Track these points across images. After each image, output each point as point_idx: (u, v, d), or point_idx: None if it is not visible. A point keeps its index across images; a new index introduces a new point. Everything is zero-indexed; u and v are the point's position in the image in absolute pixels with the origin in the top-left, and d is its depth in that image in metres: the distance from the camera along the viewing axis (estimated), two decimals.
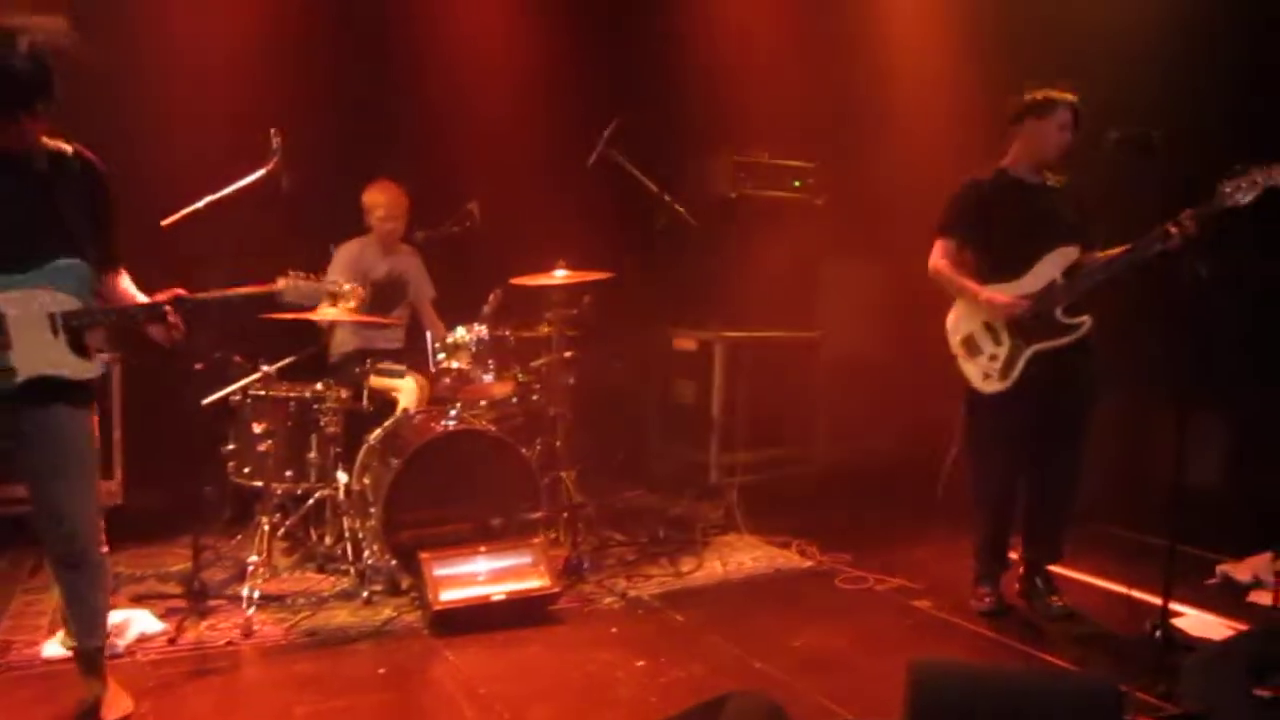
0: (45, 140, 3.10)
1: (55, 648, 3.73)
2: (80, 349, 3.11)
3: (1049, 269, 4.18)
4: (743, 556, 5.21)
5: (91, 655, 3.34)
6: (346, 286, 4.68)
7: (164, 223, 4.34)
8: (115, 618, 3.99)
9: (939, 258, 4.37)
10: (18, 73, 2.91)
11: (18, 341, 3.00)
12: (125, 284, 3.36)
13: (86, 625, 3.31)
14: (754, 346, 6.30)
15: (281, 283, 3.56)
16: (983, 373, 4.31)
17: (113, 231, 3.26)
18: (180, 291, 3.29)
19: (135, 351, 5.33)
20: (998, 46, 5.95)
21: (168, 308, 3.23)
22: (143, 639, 3.97)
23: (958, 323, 4.39)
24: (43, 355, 3.03)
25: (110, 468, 5.29)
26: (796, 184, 6.50)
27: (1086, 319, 4.16)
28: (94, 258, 3.16)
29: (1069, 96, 4.20)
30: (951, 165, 5.49)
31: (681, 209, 5.50)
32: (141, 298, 3.35)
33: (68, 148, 3.15)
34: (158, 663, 3.81)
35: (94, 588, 3.29)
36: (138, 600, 4.35)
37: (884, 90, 6.60)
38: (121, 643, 3.88)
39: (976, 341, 4.33)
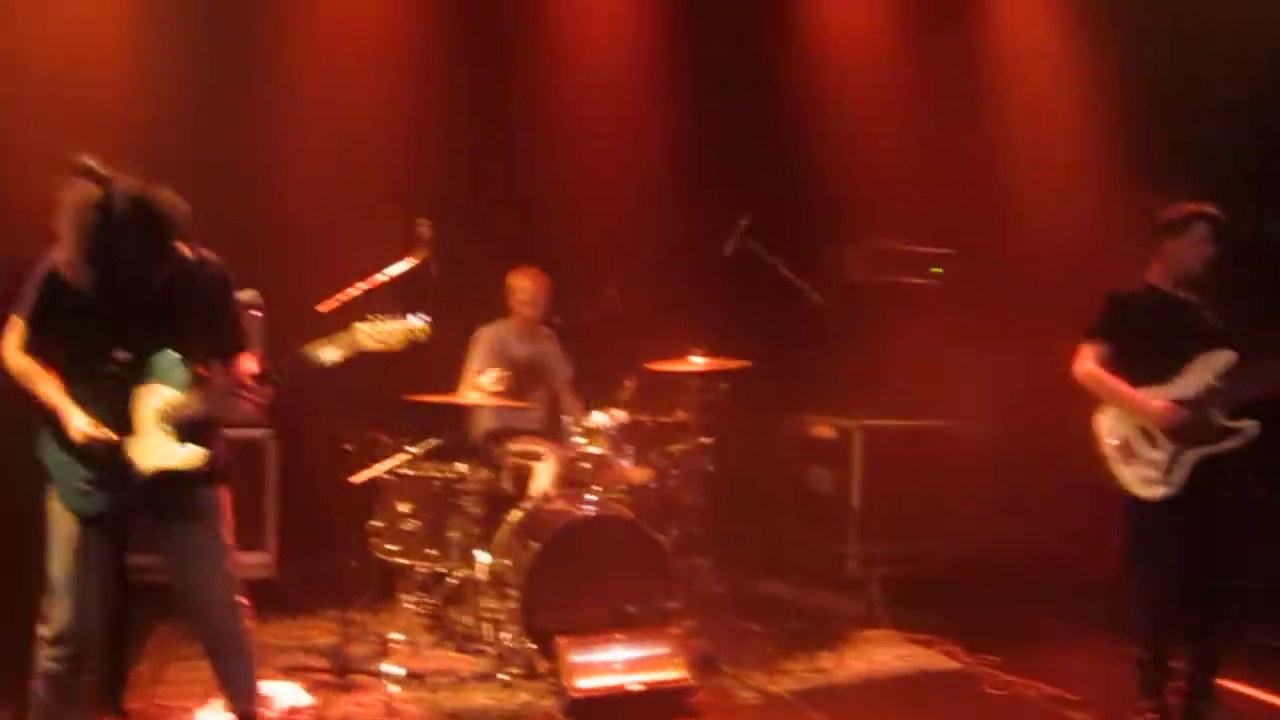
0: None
1: (210, 715, 3.84)
2: (188, 440, 3.23)
3: (1202, 373, 4.06)
4: (885, 654, 5.05)
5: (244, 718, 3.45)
6: (491, 374, 4.84)
7: (320, 308, 4.53)
8: (265, 689, 4.10)
9: (1089, 361, 4.26)
10: (169, 220, 3.11)
11: (136, 439, 3.18)
12: (248, 366, 3.44)
13: (234, 695, 3.43)
14: (893, 434, 6.20)
15: (354, 328, 3.48)
16: (1142, 478, 4.14)
17: (233, 321, 3.43)
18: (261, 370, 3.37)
19: (289, 430, 5.58)
20: (1141, 132, 5.83)
21: (248, 384, 3.28)
22: (292, 712, 4.06)
23: (1112, 427, 4.25)
24: (155, 450, 3.20)
25: (264, 539, 5.49)
26: (935, 270, 6.42)
27: (1249, 424, 3.99)
28: (212, 348, 3.34)
29: (1205, 210, 4.12)
30: (1091, 253, 5.41)
31: (818, 297, 5.48)
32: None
33: (185, 249, 3.29)
34: None
35: (235, 664, 3.42)
36: (286, 672, 4.45)
37: (1022, 176, 6.51)
38: (272, 715, 3.97)
39: (1133, 446, 4.17)
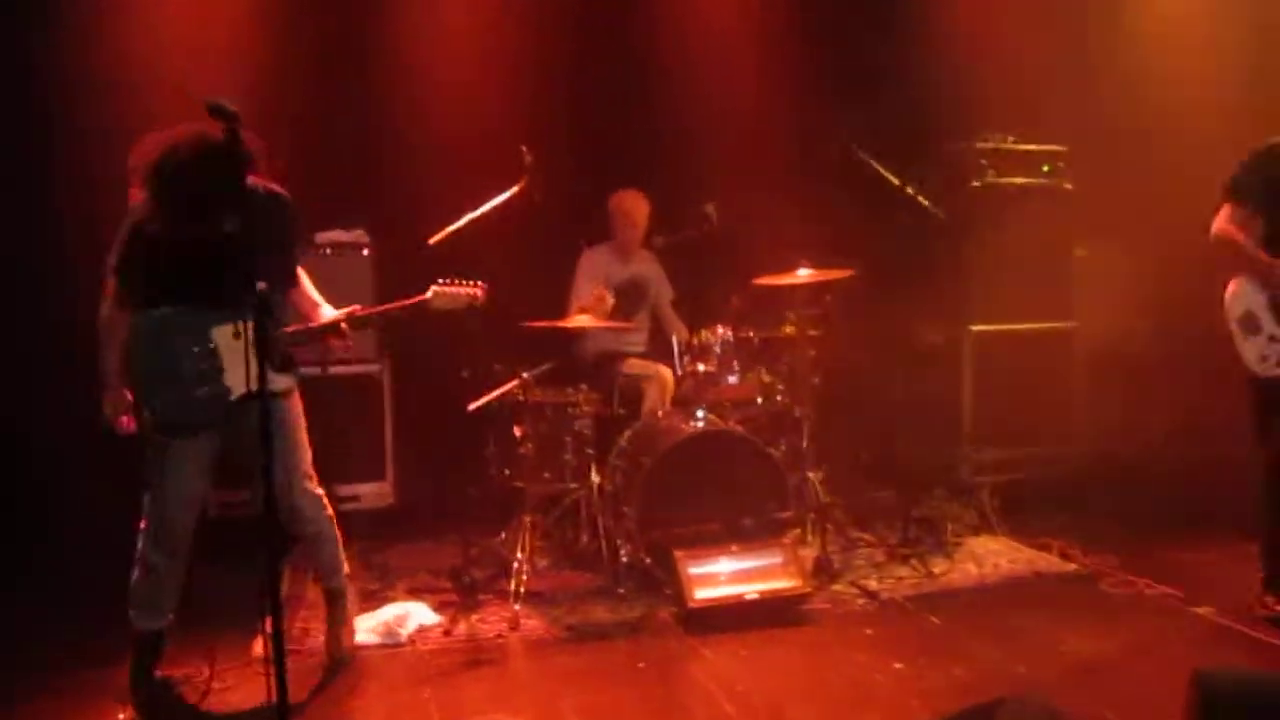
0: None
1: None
2: (278, 365, 3.57)
3: None
4: (998, 558, 5.04)
5: (331, 594, 4.01)
6: (598, 297, 4.98)
7: (431, 240, 4.65)
8: (396, 610, 4.34)
9: (1227, 223, 4.07)
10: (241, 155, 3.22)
11: (229, 367, 3.49)
12: (309, 291, 3.93)
13: (323, 574, 4.00)
14: (1005, 339, 6.07)
15: (431, 291, 3.95)
16: (1260, 354, 3.99)
17: (293, 253, 3.81)
18: (356, 308, 3.85)
19: (402, 362, 5.77)
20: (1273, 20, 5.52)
21: (343, 325, 3.77)
22: (421, 630, 4.26)
23: (1238, 297, 4.07)
24: (244, 375, 3.36)
25: (382, 469, 5.72)
26: (1046, 169, 6.21)
27: None
28: (279, 278, 3.58)
29: None
30: (1214, 144, 5.14)
31: (926, 201, 5.37)
32: (326, 307, 3.90)
33: (257, 184, 3.55)
34: (435, 652, 4.08)
35: (320, 549, 3.94)
36: (413, 593, 4.66)
37: (1139, 66, 6.22)
38: (404, 632, 4.19)
39: (1257, 319, 4.00)
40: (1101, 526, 5.35)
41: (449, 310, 3.99)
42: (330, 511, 3.93)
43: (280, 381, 3.58)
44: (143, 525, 3.58)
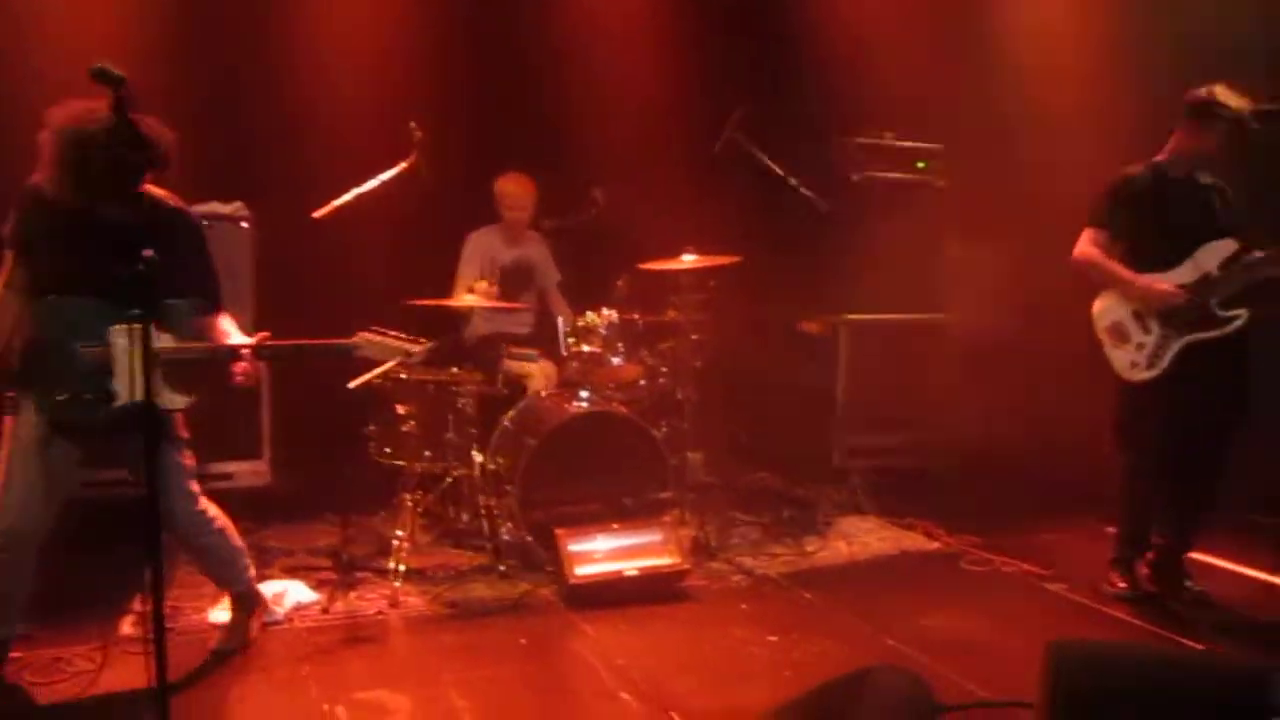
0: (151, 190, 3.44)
1: (222, 614, 3.99)
2: (175, 383, 3.39)
3: (1206, 261, 4.15)
4: (868, 538, 5.24)
5: (236, 599, 3.85)
6: (482, 283, 4.97)
7: (315, 214, 4.58)
8: (273, 588, 4.26)
9: (1089, 245, 4.33)
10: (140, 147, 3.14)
11: (120, 373, 3.30)
12: (224, 324, 3.66)
13: (222, 582, 3.84)
14: (879, 329, 6.29)
15: (358, 338, 3.70)
16: (1130, 361, 4.27)
17: (212, 277, 3.61)
18: (265, 336, 3.60)
19: (284, 338, 5.64)
20: (1136, 30, 5.82)
21: (246, 352, 3.54)
22: (299, 607, 4.21)
23: (1105, 310, 4.35)
24: (140, 384, 3.25)
25: (259, 448, 5.59)
26: (921, 165, 6.44)
27: (1242, 313, 4.10)
28: (198, 293, 3.49)
29: (1238, 106, 4.06)
30: (1084, 147, 5.43)
31: (808, 192, 5.52)
32: (238, 336, 3.65)
33: (166, 197, 3.46)
34: (313, 630, 4.04)
35: (207, 559, 3.77)
36: (291, 572, 4.59)
37: (1011, 70, 6.48)
38: (280, 610, 4.13)
39: (1125, 329, 4.28)
40: (965, 509, 5.59)
41: (374, 361, 3.83)
42: (222, 524, 3.73)
43: (175, 401, 3.42)
44: None
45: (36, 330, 3.30)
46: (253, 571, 3.92)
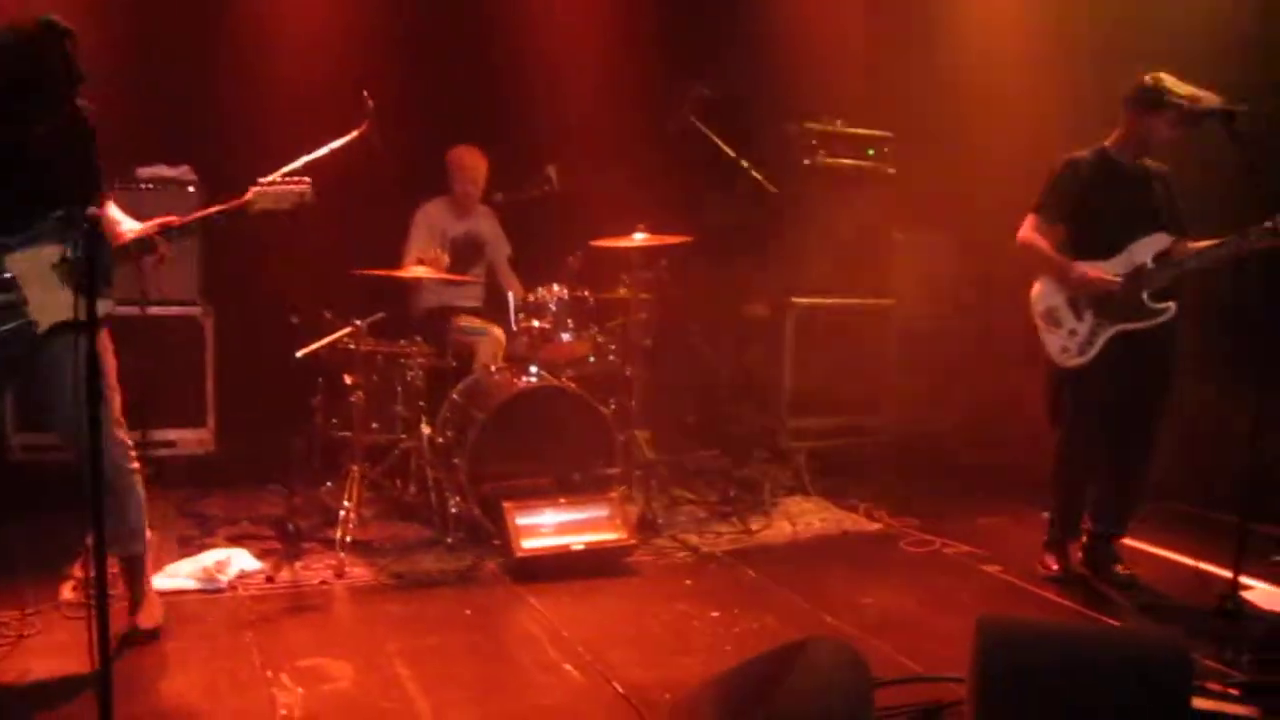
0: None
1: (165, 580, 3.98)
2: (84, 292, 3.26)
3: (1141, 253, 4.25)
4: (811, 518, 5.33)
5: (131, 563, 3.62)
6: (432, 254, 4.95)
7: (260, 181, 4.51)
8: (216, 555, 4.25)
9: (1031, 231, 4.42)
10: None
11: (32, 297, 3.21)
12: (112, 212, 3.52)
13: (125, 538, 3.54)
14: (826, 313, 6.37)
15: (250, 193, 3.64)
16: (1061, 346, 4.37)
17: (96, 166, 3.39)
18: (170, 220, 3.50)
19: (226, 306, 5.61)
20: (1085, 16, 5.93)
21: (158, 237, 3.43)
22: (242, 575, 4.20)
23: (1041, 295, 4.44)
24: (56, 303, 3.19)
25: (203, 416, 5.55)
26: (870, 153, 6.52)
27: (1171, 305, 4.23)
28: (90, 195, 3.25)
29: (1186, 94, 4.10)
30: (1029, 138, 5.53)
31: (759, 175, 5.57)
32: (129, 222, 3.54)
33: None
34: (258, 598, 4.04)
35: (127, 505, 3.51)
36: (235, 540, 4.58)
37: (961, 61, 6.58)
38: (224, 578, 4.12)
39: (1058, 315, 4.38)
40: (906, 491, 5.71)
41: (275, 210, 3.66)
42: (137, 466, 3.57)
43: (101, 306, 3.34)
44: None
45: None
46: (149, 534, 3.71)
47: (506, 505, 4.43)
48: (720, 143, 5.51)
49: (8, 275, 3.19)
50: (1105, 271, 4.27)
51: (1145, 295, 4.23)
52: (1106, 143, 4.38)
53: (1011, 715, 2.72)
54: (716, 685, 2.64)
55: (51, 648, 3.46)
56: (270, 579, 4.20)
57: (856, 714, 2.53)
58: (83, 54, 3.16)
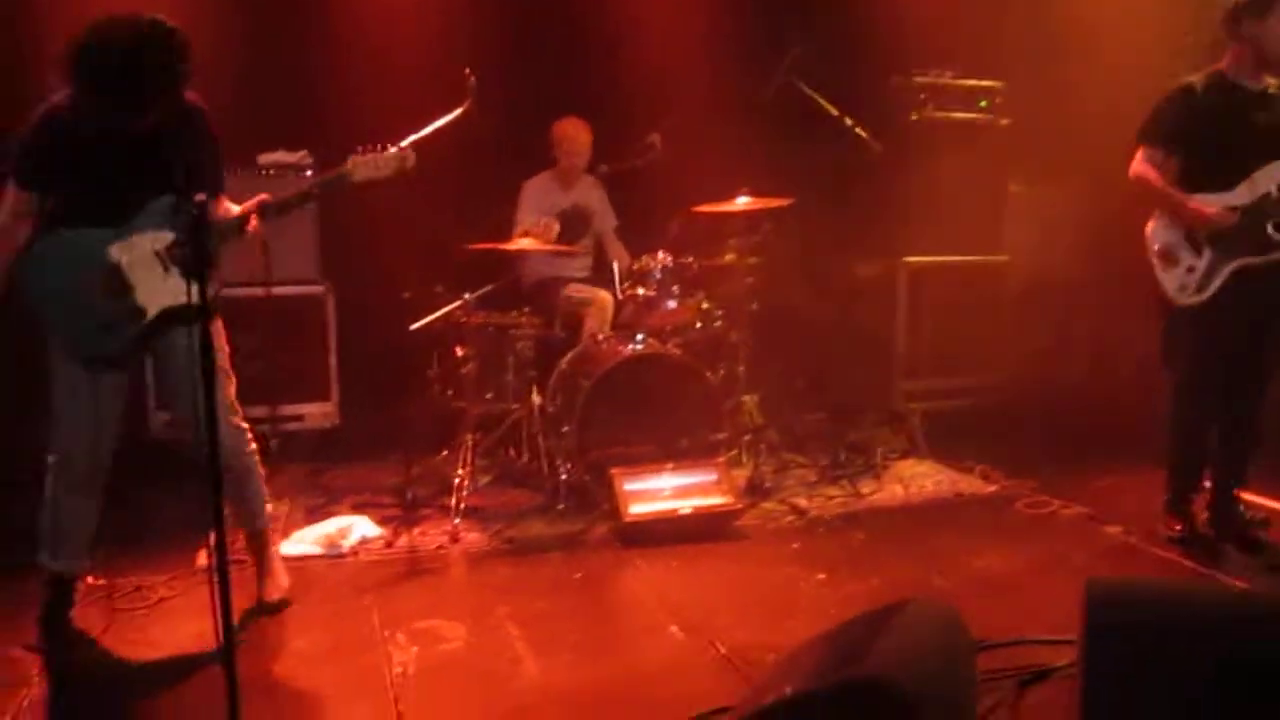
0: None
1: (292, 546, 4.18)
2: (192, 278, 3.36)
3: (1265, 182, 3.99)
4: (924, 480, 5.25)
5: (255, 538, 3.78)
6: (541, 225, 5.01)
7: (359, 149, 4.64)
8: (339, 523, 4.45)
9: (1143, 164, 4.21)
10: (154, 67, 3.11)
11: (138, 284, 3.30)
12: (228, 208, 3.54)
13: (247, 516, 3.72)
14: (938, 271, 6.24)
15: (349, 162, 3.62)
16: (1180, 284, 4.16)
17: (215, 163, 3.48)
18: (264, 197, 3.48)
19: (346, 284, 5.81)
20: None
21: (252, 216, 3.43)
22: (363, 542, 4.38)
23: (1156, 232, 4.23)
24: (162, 290, 3.31)
25: (327, 391, 5.77)
26: (982, 104, 6.33)
27: None
28: (213, 186, 3.36)
29: None
30: (1148, 83, 5.27)
31: (864, 133, 5.48)
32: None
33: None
34: (377, 563, 4.21)
35: (246, 485, 3.65)
36: (357, 509, 4.77)
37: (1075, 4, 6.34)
38: (346, 544, 4.31)
39: (1174, 252, 4.17)
40: (1023, 452, 5.55)
41: (375, 179, 3.66)
42: (254, 447, 3.70)
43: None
44: (50, 460, 3.39)
45: (47, 269, 3.26)
46: (270, 508, 3.86)
47: (614, 471, 4.50)
48: (823, 101, 5.43)
49: (111, 264, 3.28)
50: (1225, 203, 4.03)
51: (1270, 227, 3.98)
52: (1220, 64, 4.12)
53: (1121, 680, 2.64)
54: (811, 646, 2.64)
55: (189, 609, 3.66)
56: (389, 545, 4.37)
57: (954, 676, 2.51)
58: (195, 52, 3.25)
